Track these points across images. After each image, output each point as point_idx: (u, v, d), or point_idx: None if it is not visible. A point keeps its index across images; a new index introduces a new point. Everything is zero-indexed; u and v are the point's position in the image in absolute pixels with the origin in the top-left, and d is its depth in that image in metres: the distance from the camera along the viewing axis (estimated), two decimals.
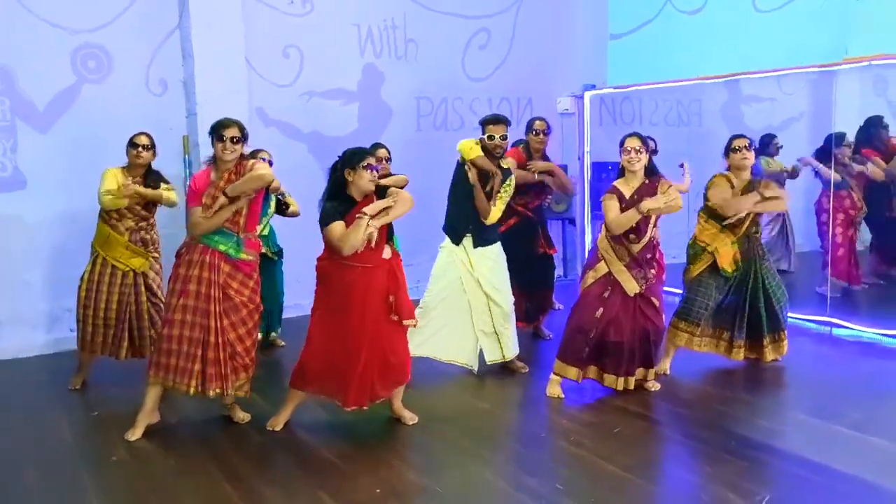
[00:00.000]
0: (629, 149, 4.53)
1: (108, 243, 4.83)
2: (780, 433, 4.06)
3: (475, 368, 5.09)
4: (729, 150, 4.96)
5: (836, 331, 6.01)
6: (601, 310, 4.53)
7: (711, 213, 5.00)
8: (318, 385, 4.20)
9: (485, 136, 4.87)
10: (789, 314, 5.93)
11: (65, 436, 4.28)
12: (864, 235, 7.30)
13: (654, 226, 4.66)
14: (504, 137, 4.86)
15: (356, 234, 3.88)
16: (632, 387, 4.63)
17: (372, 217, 3.93)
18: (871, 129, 6.92)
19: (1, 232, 5.74)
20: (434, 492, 3.48)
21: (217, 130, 4.07)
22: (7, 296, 5.80)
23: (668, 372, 5.05)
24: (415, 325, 4.29)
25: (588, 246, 8.30)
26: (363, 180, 3.99)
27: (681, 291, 5.17)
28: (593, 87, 8.16)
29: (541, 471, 3.68)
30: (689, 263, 5.09)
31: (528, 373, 5.18)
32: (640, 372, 4.68)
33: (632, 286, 4.55)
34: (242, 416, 4.42)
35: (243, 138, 4.11)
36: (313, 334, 4.16)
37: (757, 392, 4.72)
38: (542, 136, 5.62)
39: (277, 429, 4.23)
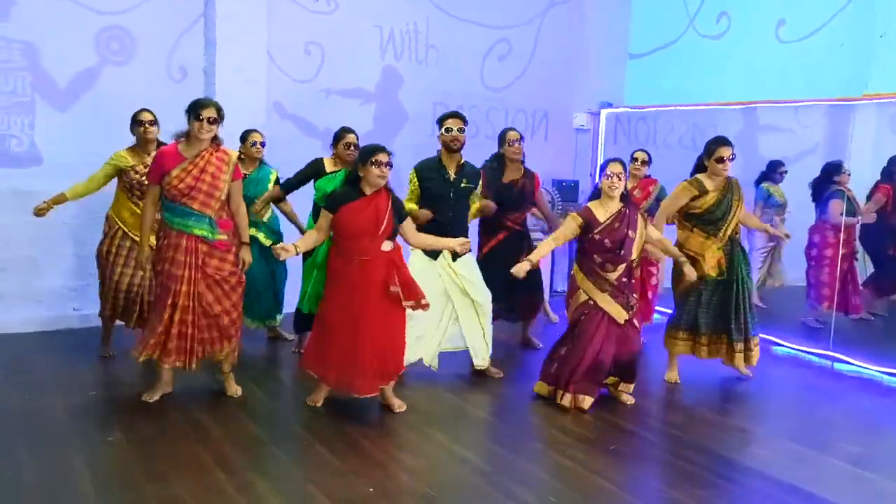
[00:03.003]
0: (611, 174, 4.50)
1: (132, 220, 4.94)
2: (775, 462, 4.04)
3: (436, 367, 5.09)
4: (713, 158, 5.02)
5: (837, 365, 5.99)
6: (594, 336, 4.57)
7: (699, 221, 5.03)
8: (325, 370, 4.41)
9: (443, 131, 4.89)
10: (791, 345, 5.94)
11: (60, 414, 4.29)
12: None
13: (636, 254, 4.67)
14: (461, 130, 4.89)
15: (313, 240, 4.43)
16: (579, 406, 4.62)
17: None
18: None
19: (13, 207, 5.74)
20: (427, 495, 3.48)
21: (195, 110, 4.20)
22: (13, 270, 5.83)
23: (678, 380, 5.20)
24: (421, 308, 4.42)
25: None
26: (371, 175, 4.24)
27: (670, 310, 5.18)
28: (610, 105, 8.18)
29: (534, 482, 3.68)
30: (679, 271, 5.06)
31: (520, 381, 5.19)
32: (613, 382, 4.75)
33: (620, 314, 4.58)
34: (235, 389, 4.60)
35: (220, 119, 4.26)
36: (319, 323, 4.44)
37: (753, 420, 4.72)
38: (517, 145, 5.53)
39: (318, 404, 4.50)
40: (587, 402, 4.60)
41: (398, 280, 4.33)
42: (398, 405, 4.49)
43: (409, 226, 4.50)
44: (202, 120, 4.18)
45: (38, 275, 5.90)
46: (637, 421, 4.56)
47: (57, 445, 3.88)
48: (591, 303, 4.58)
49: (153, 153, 4.79)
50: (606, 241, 4.52)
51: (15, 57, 5.70)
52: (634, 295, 4.72)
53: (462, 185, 4.97)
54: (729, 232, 5.04)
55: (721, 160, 4.96)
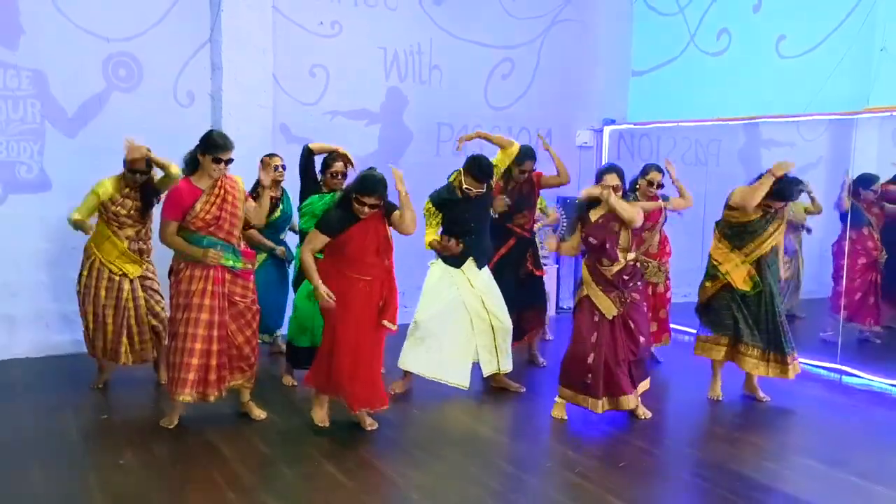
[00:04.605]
0: (608, 186, 4.59)
1: (106, 247, 4.92)
2: (786, 477, 4.03)
3: (466, 387, 5.12)
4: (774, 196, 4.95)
5: (846, 378, 5.98)
6: (595, 334, 4.60)
7: (729, 231, 5.08)
8: (333, 389, 4.43)
9: (466, 185, 4.93)
10: (800, 360, 5.92)
11: (73, 437, 4.31)
12: None
13: (629, 250, 4.67)
14: (481, 189, 4.97)
15: (310, 270, 4.22)
16: (625, 408, 4.66)
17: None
18: None
19: (23, 232, 5.82)
20: None
21: (213, 152, 4.18)
22: (24, 295, 5.88)
23: (720, 397, 5.21)
24: (394, 331, 4.47)
25: None
26: (359, 211, 4.22)
27: (687, 328, 5.20)
28: (613, 121, 8.24)
29: (545, 501, 3.67)
30: (704, 279, 5.22)
31: (530, 400, 5.20)
32: (630, 399, 4.68)
33: (609, 308, 4.61)
34: (258, 413, 4.62)
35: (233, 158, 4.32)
36: (327, 344, 4.40)
37: (764, 435, 4.71)
38: (526, 175, 5.63)
39: (326, 423, 4.50)
40: (596, 404, 4.59)
41: (387, 301, 4.38)
42: (370, 423, 4.52)
43: (397, 216, 4.36)
44: (220, 163, 4.21)
45: (48, 299, 5.94)
46: (648, 438, 4.55)
47: (71, 468, 3.90)
48: (587, 299, 4.65)
49: (132, 188, 4.92)
50: (591, 238, 4.63)
51: (24, 85, 5.77)
52: (635, 294, 4.72)
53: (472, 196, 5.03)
54: (756, 252, 5.04)
55: (769, 206, 4.99)
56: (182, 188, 4.26)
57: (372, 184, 4.20)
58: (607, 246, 4.59)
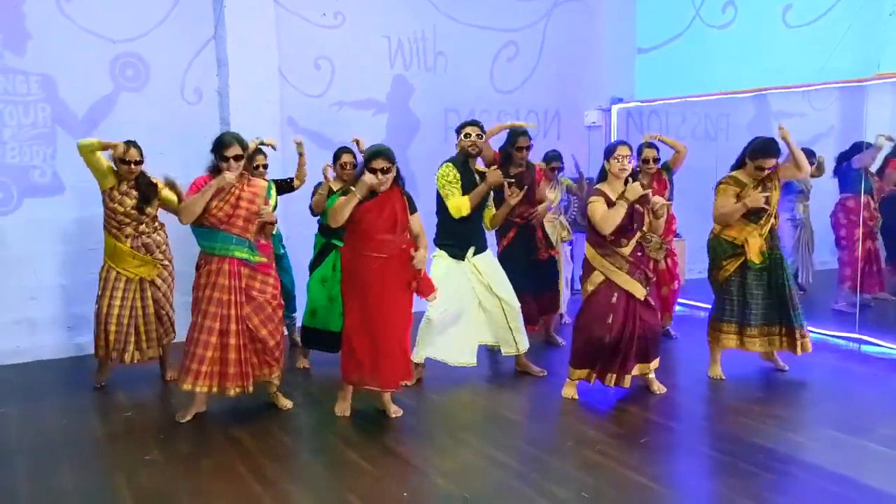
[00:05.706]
0: (620, 157, 4.57)
1: (115, 255, 4.99)
2: (809, 447, 4.04)
3: (474, 363, 5.16)
4: (755, 165, 4.99)
5: (864, 347, 5.96)
6: (612, 316, 4.60)
7: None
8: (358, 375, 4.44)
9: (461, 137, 4.97)
10: (818, 330, 5.91)
11: (98, 436, 4.38)
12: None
13: (641, 227, 4.68)
14: (479, 136, 4.96)
15: (344, 208, 4.25)
16: (627, 385, 4.67)
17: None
18: None
19: (39, 236, 5.88)
20: (461, 498, 3.51)
21: (219, 151, 4.29)
22: (44, 298, 5.95)
23: (723, 376, 5.16)
24: (433, 300, 4.61)
25: None
26: (376, 177, 4.25)
27: (702, 303, 5.18)
28: (621, 100, 8.20)
29: (567, 479, 3.69)
30: (718, 261, 5.13)
31: (546, 381, 5.23)
32: (639, 367, 4.73)
33: (640, 291, 4.62)
34: (285, 402, 4.70)
35: (244, 153, 4.36)
36: (349, 327, 4.43)
37: (784, 406, 4.70)
38: (524, 152, 5.51)
39: (347, 413, 4.54)
40: (614, 379, 4.64)
41: (414, 276, 4.42)
42: (395, 410, 4.55)
43: (416, 218, 4.48)
44: (228, 160, 4.28)
45: (68, 301, 6.01)
46: (668, 414, 4.56)
47: (98, 466, 3.96)
48: (610, 282, 4.63)
49: (131, 184, 4.95)
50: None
51: (34, 90, 5.82)
52: (649, 270, 4.75)
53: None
54: (769, 222, 5.04)
55: (761, 169, 4.97)
56: (203, 180, 4.36)
57: (377, 149, 4.30)
58: (634, 224, 4.60)
